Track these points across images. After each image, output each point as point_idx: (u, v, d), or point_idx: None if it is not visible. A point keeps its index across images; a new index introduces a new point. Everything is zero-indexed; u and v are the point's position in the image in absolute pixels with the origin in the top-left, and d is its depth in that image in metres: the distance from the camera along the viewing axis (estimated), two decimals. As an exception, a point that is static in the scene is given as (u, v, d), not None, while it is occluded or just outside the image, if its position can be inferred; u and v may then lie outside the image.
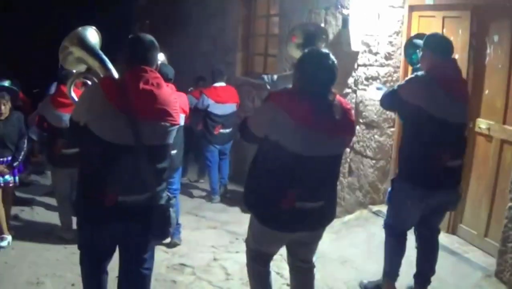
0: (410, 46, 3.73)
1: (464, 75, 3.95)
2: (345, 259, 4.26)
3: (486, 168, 4.02)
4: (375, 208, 4.90)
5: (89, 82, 3.63)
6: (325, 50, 2.68)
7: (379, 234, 4.46)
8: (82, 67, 3.22)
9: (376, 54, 4.77)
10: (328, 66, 2.56)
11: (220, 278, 4.09)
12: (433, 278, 3.58)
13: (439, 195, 3.20)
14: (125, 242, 2.77)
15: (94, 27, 3.11)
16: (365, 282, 3.77)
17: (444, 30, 4.33)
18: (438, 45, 3.16)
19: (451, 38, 4.22)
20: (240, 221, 5.35)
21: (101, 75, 2.92)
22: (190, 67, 8.44)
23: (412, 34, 4.64)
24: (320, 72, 2.56)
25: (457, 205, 3.43)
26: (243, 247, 3.20)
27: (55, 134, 4.72)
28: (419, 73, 3.19)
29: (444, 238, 4.25)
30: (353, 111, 2.80)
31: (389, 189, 3.46)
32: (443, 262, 3.95)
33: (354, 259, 4.24)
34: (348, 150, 5.18)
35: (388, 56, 4.70)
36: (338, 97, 2.64)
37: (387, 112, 4.78)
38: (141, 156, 2.51)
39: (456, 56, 4.19)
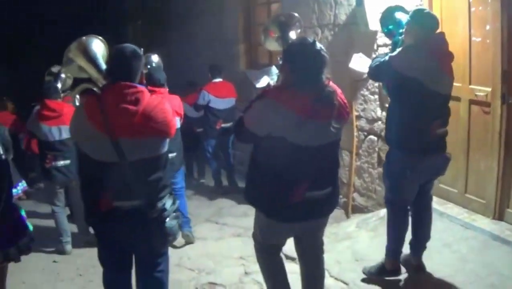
0: (388, 18, 3.70)
1: (498, 45, 3.73)
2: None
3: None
4: (412, 199, 4.52)
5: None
6: (309, 38, 2.65)
7: (422, 228, 4.12)
8: (84, 75, 3.22)
9: (397, 31, 4.37)
10: (317, 53, 2.54)
11: (256, 296, 3.74)
12: (490, 273, 3.37)
13: (433, 160, 3.32)
14: (133, 247, 2.79)
15: (100, 38, 3.13)
16: (367, 267, 3.65)
17: (471, 1, 3.93)
18: (426, 20, 3.20)
19: (480, 9, 3.90)
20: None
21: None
22: (189, 64, 8.08)
23: (434, 7, 4.26)
24: (311, 60, 2.54)
25: (445, 169, 3.52)
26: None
27: (44, 148, 4.80)
28: (410, 44, 3.21)
29: (491, 224, 3.91)
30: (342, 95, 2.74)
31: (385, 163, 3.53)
32: (497, 253, 3.62)
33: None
34: (375, 138, 4.80)
35: (411, 33, 4.29)
36: (330, 81, 2.64)
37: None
38: (127, 171, 2.52)
39: (487, 27, 3.83)
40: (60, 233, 4.81)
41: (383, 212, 4.60)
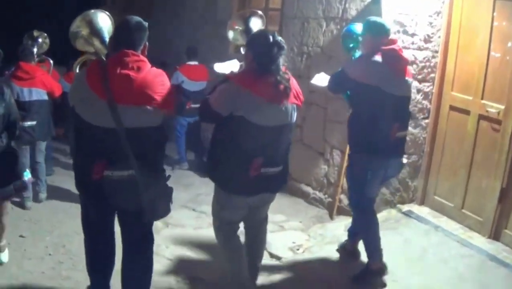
0: (347, 36, 3.79)
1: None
2: (383, 270, 3.76)
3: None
4: (405, 207, 4.43)
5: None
6: (270, 30, 2.98)
7: (416, 240, 4.03)
8: (90, 49, 3.23)
9: (413, 35, 4.22)
10: (276, 42, 2.79)
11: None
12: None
13: (391, 162, 3.46)
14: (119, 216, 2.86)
15: (107, 12, 3.20)
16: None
17: (495, 14, 3.82)
18: (376, 29, 3.33)
19: (503, 24, 3.79)
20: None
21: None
22: (176, 45, 7.73)
23: (454, 16, 4.13)
24: (271, 48, 2.77)
25: (400, 172, 3.82)
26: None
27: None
28: (362, 54, 3.42)
29: (487, 244, 3.85)
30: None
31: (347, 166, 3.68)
32: (494, 274, 3.55)
33: (393, 270, 3.71)
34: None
35: (427, 39, 4.17)
36: (286, 69, 2.92)
37: (423, 101, 4.27)
38: (123, 139, 2.55)
39: (509, 44, 3.74)
40: None
41: (374, 218, 4.49)
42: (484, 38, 3.91)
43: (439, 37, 4.16)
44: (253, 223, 3.27)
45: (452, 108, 4.21)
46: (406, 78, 3.37)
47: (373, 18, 3.46)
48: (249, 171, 2.83)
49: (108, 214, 2.85)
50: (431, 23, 4.13)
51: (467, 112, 4.07)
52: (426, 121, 4.33)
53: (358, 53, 3.62)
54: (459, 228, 4.09)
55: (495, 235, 3.90)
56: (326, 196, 5.25)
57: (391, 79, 3.24)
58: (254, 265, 3.29)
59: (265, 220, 3.35)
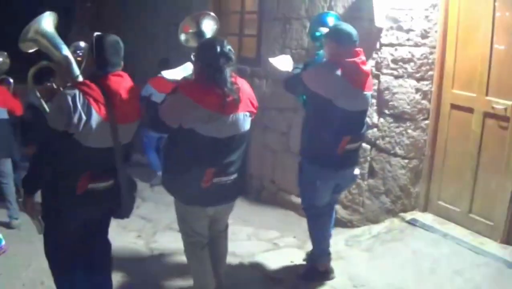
0: (317, 23, 3.68)
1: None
2: (395, 288, 3.42)
3: None
4: (408, 216, 4.11)
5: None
6: (220, 38, 2.92)
7: (425, 251, 3.72)
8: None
9: (408, 31, 3.94)
10: (223, 53, 2.76)
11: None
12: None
13: (342, 174, 3.43)
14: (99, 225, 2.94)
15: (51, 13, 3.02)
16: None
17: (497, 4, 3.57)
18: (342, 37, 3.22)
19: (506, 14, 3.56)
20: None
21: (63, 66, 2.97)
22: (146, 54, 7.34)
23: (451, 8, 3.87)
24: (217, 60, 2.75)
25: (355, 182, 3.87)
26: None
27: None
28: (323, 61, 3.38)
29: (500, 249, 3.57)
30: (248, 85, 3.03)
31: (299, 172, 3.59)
32: (509, 282, 3.26)
33: (403, 287, 3.42)
34: (368, 147, 4.36)
35: (424, 34, 3.89)
36: (237, 78, 2.89)
37: (422, 101, 3.99)
38: (118, 155, 2.68)
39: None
40: None
41: (376, 229, 4.20)
42: (485, 30, 3.65)
43: (436, 31, 3.88)
44: (214, 233, 3.23)
45: (453, 106, 3.94)
46: (365, 92, 3.30)
47: (342, 26, 3.33)
48: (201, 182, 2.83)
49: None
50: (427, 17, 3.85)
51: (470, 110, 3.81)
52: (426, 122, 4.04)
53: (321, 52, 3.55)
54: (468, 235, 3.80)
55: (508, 239, 3.63)
56: (319, 207, 4.92)
57: (347, 94, 3.19)
58: (217, 273, 3.26)
59: (226, 229, 3.35)
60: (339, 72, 3.16)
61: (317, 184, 3.39)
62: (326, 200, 3.52)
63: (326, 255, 3.59)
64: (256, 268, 3.95)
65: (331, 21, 3.62)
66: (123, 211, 2.89)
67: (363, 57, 3.28)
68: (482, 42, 3.68)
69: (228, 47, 2.81)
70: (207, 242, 3.14)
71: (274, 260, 4.01)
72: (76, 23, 8.77)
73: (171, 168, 2.96)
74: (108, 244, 3.02)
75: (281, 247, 4.38)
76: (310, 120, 3.39)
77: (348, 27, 3.28)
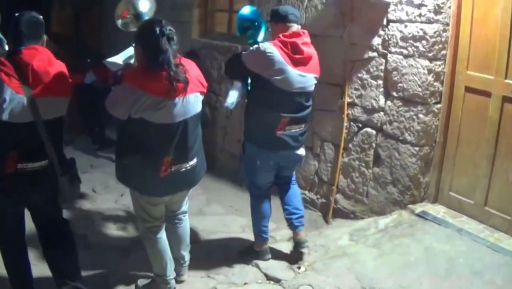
0: (245, 21, 3.63)
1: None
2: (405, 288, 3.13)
3: None
4: (417, 208, 3.80)
5: None
6: (158, 18, 2.76)
7: (439, 248, 3.42)
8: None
9: (420, 6, 3.57)
10: (163, 33, 2.63)
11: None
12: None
13: (282, 155, 3.44)
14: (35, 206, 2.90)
15: None
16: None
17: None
18: (279, 16, 3.31)
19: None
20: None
21: None
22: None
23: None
24: (158, 41, 2.62)
25: (301, 162, 3.65)
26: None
27: None
28: (265, 43, 3.27)
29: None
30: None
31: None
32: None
33: (417, 287, 3.13)
34: (374, 132, 4.02)
35: (437, 10, 3.52)
36: (181, 58, 2.75)
37: (435, 83, 3.64)
38: (41, 131, 2.64)
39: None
40: None
41: (382, 222, 3.89)
42: (505, 6, 3.29)
43: (450, 7, 3.52)
44: (170, 219, 3.21)
45: (468, 89, 3.60)
46: (306, 73, 3.27)
47: (280, 6, 3.46)
48: (159, 172, 2.75)
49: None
50: (440, -9, 3.49)
51: (487, 94, 3.47)
52: (438, 106, 3.71)
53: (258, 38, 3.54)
54: (484, 230, 3.51)
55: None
56: (318, 196, 4.61)
57: (285, 74, 3.18)
58: (177, 260, 3.24)
59: (181, 214, 3.26)
60: (277, 52, 3.16)
61: (257, 163, 3.43)
62: (268, 180, 3.57)
63: (263, 236, 3.64)
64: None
65: (246, 10, 3.64)
66: (61, 196, 2.83)
67: (306, 39, 3.29)
68: (500, 19, 3.33)
69: (168, 27, 2.67)
70: (164, 226, 3.12)
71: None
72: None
73: (125, 159, 2.85)
74: (62, 233, 2.99)
75: (278, 240, 4.05)
76: (251, 101, 3.43)
77: (286, 7, 3.42)
